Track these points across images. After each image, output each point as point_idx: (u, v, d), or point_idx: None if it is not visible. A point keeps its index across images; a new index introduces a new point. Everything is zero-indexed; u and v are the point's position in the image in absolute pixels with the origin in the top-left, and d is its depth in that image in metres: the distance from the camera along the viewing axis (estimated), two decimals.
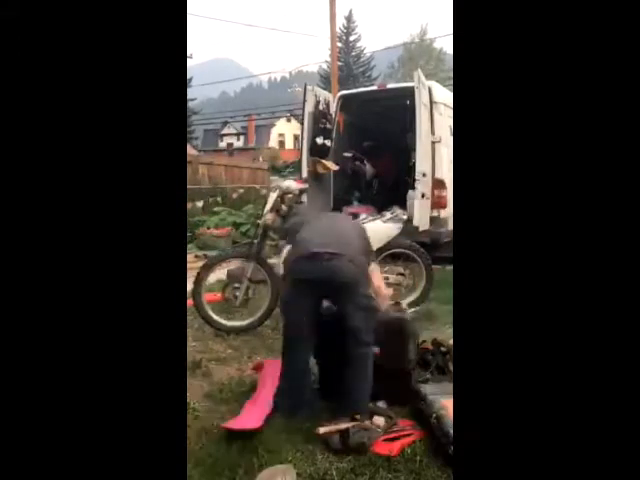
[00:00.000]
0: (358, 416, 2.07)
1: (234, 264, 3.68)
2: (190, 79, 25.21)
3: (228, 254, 3.74)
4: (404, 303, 3.44)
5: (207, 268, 3.58)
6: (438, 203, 4.60)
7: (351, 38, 39.02)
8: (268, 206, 3.57)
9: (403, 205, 4.38)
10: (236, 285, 3.57)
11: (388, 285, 3.85)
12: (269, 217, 3.53)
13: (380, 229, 3.75)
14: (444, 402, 2.01)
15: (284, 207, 3.56)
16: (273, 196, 3.59)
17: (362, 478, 1.79)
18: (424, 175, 4.41)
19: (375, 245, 3.71)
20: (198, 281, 3.51)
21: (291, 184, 3.67)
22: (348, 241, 2.28)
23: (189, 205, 8.92)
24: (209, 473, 1.81)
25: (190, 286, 3.40)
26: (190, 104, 32.60)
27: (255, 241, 3.56)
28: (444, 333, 3.29)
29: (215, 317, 3.58)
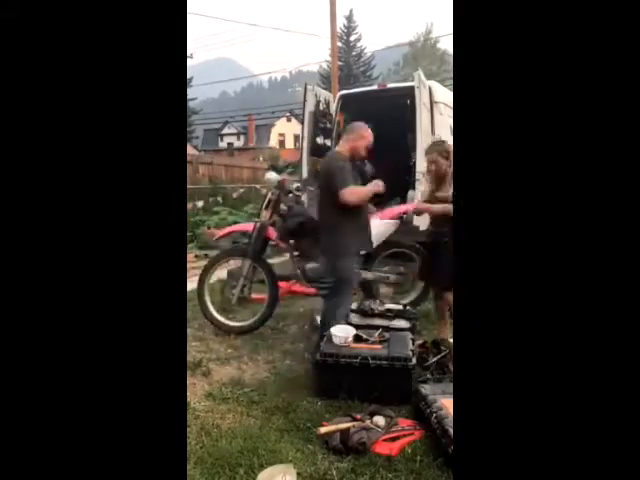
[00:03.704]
0: (359, 416, 2.08)
1: (235, 263, 3.70)
2: (190, 79, 25.21)
3: (227, 253, 3.75)
4: (404, 303, 3.46)
5: (208, 269, 3.64)
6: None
7: (352, 38, 39.01)
8: (264, 204, 3.61)
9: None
10: (233, 284, 3.59)
11: (388, 285, 3.86)
12: (264, 214, 3.55)
13: (378, 226, 3.75)
14: (444, 402, 2.01)
15: (283, 207, 3.57)
16: (268, 194, 3.63)
17: (362, 478, 1.79)
18: (424, 175, 4.41)
19: (374, 242, 3.73)
20: (201, 282, 3.58)
21: (271, 176, 3.77)
22: None
23: (189, 205, 8.93)
24: (209, 473, 1.81)
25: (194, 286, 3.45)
26: (190, 104, 32.59)
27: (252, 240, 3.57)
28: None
29: (219, 317, 3.61)
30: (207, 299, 3.60)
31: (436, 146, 3.19)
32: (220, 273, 3.86)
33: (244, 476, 1.79)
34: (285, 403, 2.38)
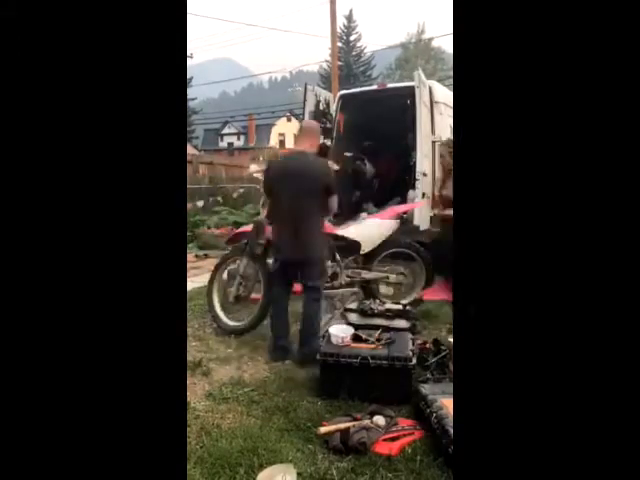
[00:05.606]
0: (359, 415, 2.08)
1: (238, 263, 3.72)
2: (190, 79, 25.24)
3: (234, 252, 3.77)
4: (404, 302, 3.46)
5: (217, 268, 3.72)
6: (438, 202, 4.61)
7: (352, 38, 39.03)
8: (260, 201, 3.63)
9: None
10: (231, 282, 3.61)
11: (388, 285, 3.86)
12: (261, 212, 3.57)
13: (378, 226, 3.75)
14: (444, 402, 2.01)
15: None
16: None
17: (362, 478, 1.79)
18: (424, 175, 4.42)
19: (375, 242, 3.74)
20: (211, 279, 3.70)
21: (252, 168, 3.80)
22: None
23: (189, 205, 8.92)
24: (209, 473, 1.81)
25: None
26: (190, 104, 32.65)
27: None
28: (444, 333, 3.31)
29: (222, 316, 3.63)
30: (214, 296, 3.65)
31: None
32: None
33: (244, 476, 1.79)
34: (285, 403, 2.38)
